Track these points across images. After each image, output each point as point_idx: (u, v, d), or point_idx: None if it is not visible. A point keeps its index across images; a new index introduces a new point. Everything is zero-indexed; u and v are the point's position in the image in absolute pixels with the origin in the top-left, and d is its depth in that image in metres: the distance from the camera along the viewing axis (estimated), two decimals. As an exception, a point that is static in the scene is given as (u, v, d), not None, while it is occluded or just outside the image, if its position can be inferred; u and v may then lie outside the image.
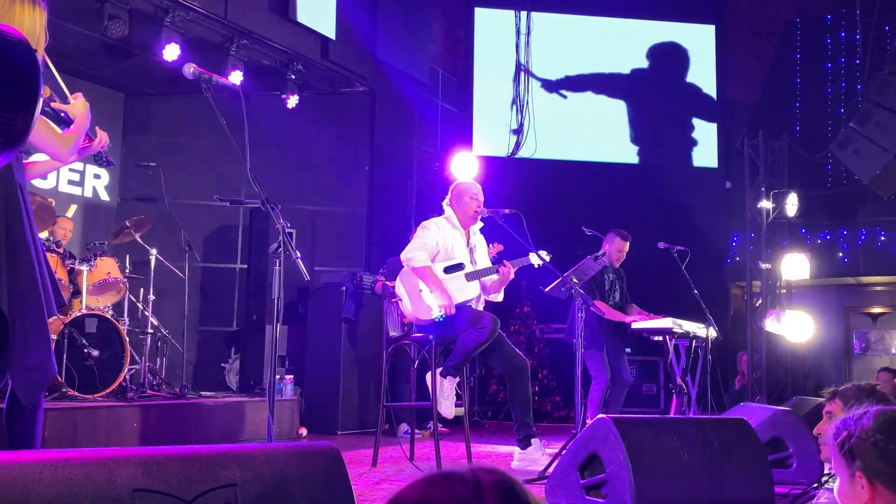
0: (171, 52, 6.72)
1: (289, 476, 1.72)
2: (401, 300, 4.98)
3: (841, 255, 10.98)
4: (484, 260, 5.25)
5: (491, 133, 10.77)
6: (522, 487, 1.02)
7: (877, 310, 11.95)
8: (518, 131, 10.68)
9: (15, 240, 2.62)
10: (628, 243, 6.68)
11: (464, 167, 8.99)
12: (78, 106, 2.86)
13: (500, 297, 5.28)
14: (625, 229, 6.73)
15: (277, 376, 6.80)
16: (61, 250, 6.17)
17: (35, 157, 3.04)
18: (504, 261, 5.12)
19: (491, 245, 5.19)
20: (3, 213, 2.63)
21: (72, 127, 2.79)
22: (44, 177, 3.16)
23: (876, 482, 1.75)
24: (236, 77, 7.23)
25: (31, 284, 2.63)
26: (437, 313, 4.83)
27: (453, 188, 5.27)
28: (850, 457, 1.77)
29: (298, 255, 2.89)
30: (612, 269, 6.68)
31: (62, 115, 2.83)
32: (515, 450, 5.08)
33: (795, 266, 9.55)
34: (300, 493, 1.72)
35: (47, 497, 1.47)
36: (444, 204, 5.27)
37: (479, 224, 5.29)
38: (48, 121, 2.76)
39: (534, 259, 5.17)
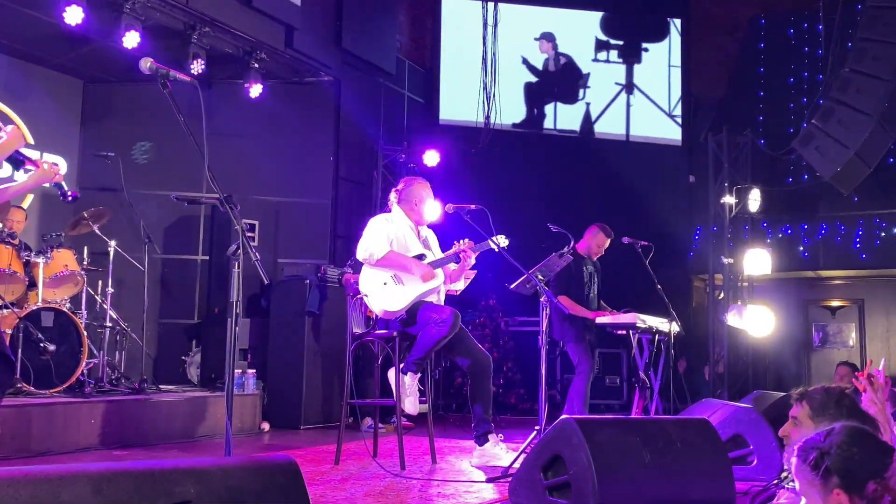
0: (131, 39, 6.56)
1: (245, 492, 1.67)
2: (367, 296, 4.92)
3: (801, 248, 11.13)
4: (438, 252, 5.21)
5: (458, 124, 10.72)
6: None
7: (835, 303, 12.14)
8: (486, 124, 10.63)
9: None
10: (610, 240, 6.66)
11: (431, 160, 8.99)
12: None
13: (461, 286, 5.22)
14: (587, 224, 6.72)
15: (239, 370, 6.72)
16: (16, 241, 6.03)
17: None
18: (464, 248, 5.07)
19: (460, 241, 5.13)
20: None
21: None
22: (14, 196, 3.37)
23: (854, 496, 1.74)
24: (198, 66, 7.09)
25: None
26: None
27: (407, 191, 5.15)
28: (826, 475, 1.76)
29: (258, 257, 2.82)
30: (590, 261, 6.66)
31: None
32: (474, 446, 5.07)
33: (757, 261, 9.65)
34: (257, 509, 1.68)
35: (-10, 520, 1.41)
36: (393, 202, 5.19)
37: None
38: None
39: (493, 244, 5.07)
